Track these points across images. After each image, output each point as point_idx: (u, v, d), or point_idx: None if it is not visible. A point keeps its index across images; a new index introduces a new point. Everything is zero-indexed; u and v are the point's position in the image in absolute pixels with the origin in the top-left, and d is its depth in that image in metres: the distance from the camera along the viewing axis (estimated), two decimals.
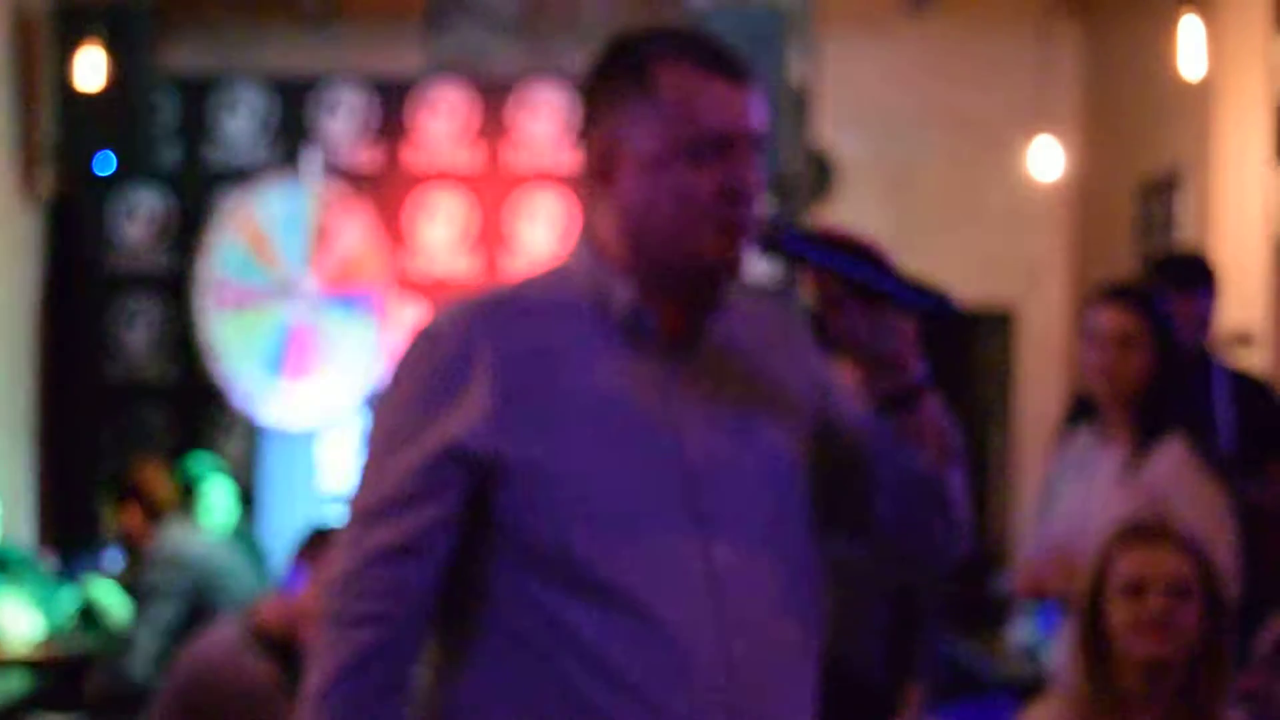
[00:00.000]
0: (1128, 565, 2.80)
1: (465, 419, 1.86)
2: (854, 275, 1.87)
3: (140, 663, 5.14)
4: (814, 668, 1.95)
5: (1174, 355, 3.76)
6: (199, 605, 5.16)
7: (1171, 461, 3.62)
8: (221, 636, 3.51)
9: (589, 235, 1.96)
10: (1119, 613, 2.78)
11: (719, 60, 1.92)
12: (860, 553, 2.04)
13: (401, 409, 1.90)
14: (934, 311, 1.85)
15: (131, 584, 5.51)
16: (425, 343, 1.91)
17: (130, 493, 5.43)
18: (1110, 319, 3.69)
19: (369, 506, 1.88)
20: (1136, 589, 2.77)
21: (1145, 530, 2.89)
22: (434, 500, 1.86)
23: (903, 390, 1.91)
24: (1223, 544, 3.60)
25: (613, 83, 1.94)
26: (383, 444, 1.90)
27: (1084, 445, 3.83)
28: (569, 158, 6.72)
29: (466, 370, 1.87)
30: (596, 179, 1.94)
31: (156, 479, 5.49)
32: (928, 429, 1.92)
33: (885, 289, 1.87)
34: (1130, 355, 3.68)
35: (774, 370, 1.98)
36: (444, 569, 1.87)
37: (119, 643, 5.37)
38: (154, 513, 5.38)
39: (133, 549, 5.52)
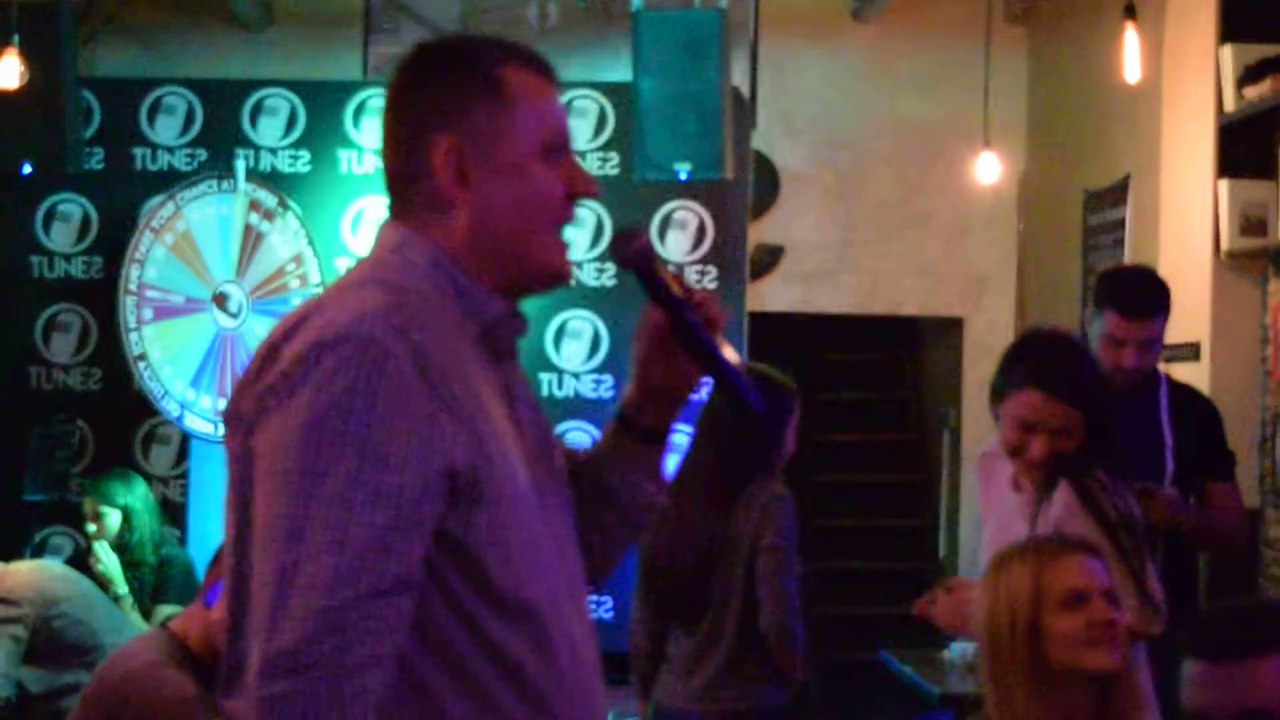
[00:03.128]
0: (1065, 576, 2.69)
1: (446, 435, 1.73)
2: (683, 321, 1.94)
3: None
4: None
5: (1099, 429, 3.44)
6: (42, 634, 5.10)
7: (1059, 507, 3.37)
8: (141, 649, 3.45)
9: (428, 245, 1.87)
10: (1062, 625, 2.66)
11: (547, 66, 1.94)
12: None
13: (372, 429, 1.68)
14: (737, 400, 1.95)
15: None
16: (368, 354, 1.70)
17: None
18: (1054, 413, 3.34)
19: (350, 537, 1.66)
20: (1078, 598, 2.68)
21: (1065, 542, 2.82)
22: (425, 528, 1.71)
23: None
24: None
25: (454, 86, 1.88)
26: (354, 469, 1.67)
27: (1004, 483, 3.66)
28: None
29: (428, 382, 1.72)
30: (449, 186, 1.87)
31: None
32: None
33: (718, 367, 1.94)
34: (1066, 441, 3.37)
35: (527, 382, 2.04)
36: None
37: None
38: None
39: None
